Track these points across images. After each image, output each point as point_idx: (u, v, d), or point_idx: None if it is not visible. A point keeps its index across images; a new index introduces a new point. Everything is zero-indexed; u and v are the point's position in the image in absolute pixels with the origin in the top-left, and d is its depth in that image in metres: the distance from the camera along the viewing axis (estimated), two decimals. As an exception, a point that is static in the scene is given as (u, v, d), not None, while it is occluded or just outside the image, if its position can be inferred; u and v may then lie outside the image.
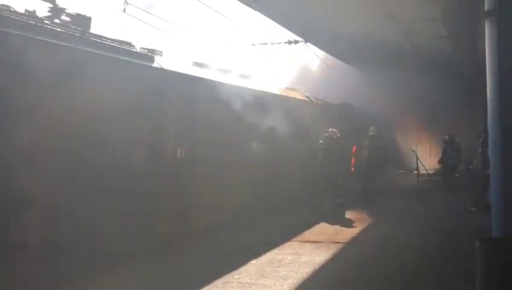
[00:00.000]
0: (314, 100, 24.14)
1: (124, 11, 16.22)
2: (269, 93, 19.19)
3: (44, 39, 9.59)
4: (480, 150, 23.36)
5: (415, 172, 28.40)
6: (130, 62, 11.94)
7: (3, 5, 9.69)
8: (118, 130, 11.38)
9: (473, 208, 19.26)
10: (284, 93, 20.75)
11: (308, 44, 24.21)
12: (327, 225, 17.59)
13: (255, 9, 18.25)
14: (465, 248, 12.15)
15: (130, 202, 11.74)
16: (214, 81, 15.37)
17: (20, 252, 8.98)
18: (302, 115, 21.60)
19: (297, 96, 22.24)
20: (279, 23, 20.68)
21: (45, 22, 10.09)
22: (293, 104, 20.92)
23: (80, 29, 10.80)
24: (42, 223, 9.41)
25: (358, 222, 18.01)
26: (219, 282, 11.12)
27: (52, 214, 9.61)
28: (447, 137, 26.55)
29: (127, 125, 11.76)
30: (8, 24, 9.03)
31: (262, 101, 17.99)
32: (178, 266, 11.77)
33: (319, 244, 14.67)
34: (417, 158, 28.06)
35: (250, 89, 17.57)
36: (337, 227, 17.34)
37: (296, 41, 23.71)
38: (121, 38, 12.34)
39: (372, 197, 21.49)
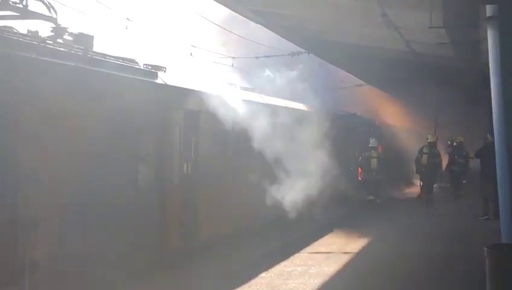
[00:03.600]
0: (319, 111, 24.13)
1: (126, 28, 16.29)
2: (273, 105, 19.21)
3: (47, 59, 9.61)
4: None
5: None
6: (133, 79, 11.97)
7: (6, 26, 9.73)
8: (122, 147, 11.40)
9: (483, 217, 19.23)
10: (288, 105, 20.78)
11: (310, 55, 24.19)
12: (337, 234, 17.59)
13: (257, 23, 18.28)
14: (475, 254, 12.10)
15: (137, 218, 11.73)
16: (218, 95, 15.40)
17: (28, 273, 8.96)
18: (307, 126, 21.65)
19: (302, 108, 22.27)
20: (281, 35, 20.70)
21: (48, 41, 10.11)
22: (297, 116, 20.94)
23: (82, 48, 10.83)
24: (48, 243, 9.39)
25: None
26: (230, 296, 11.13)
27: (58, 234, 9.59)
28: (454, 143, 26.57)
29: (131, 141, 11.78)
30: (12, 45, 9.05)
31: (266, 114, 17.99)
32: (188, 281, 11.76)
33: (328, 255, 14.66)
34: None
35: (254, 102, 17.59)
36: (348, 234, 17.38)
37: (299, 53, 23.70)
38: (124, 56, 12.38)
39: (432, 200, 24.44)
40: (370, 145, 24.73)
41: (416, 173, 25.90)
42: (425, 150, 24.83)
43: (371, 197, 24.17)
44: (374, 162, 24.38)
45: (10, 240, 8.72)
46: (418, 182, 28.04)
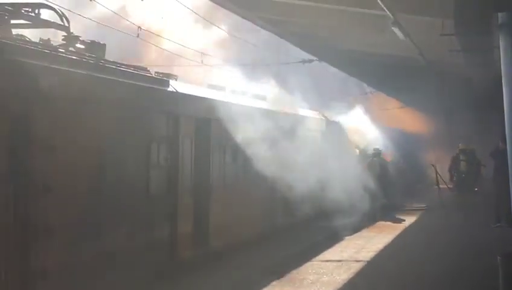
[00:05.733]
0: (330, 119, 24.23)
1: (138, 36, 16.32)
2: (283, 113, 19.22)
3: (59, 67, 9.62)
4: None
5: (435, 187, 28.36)
6: (145, 87, 11.98)
7: (18, 34, 9.77)
8: (133, 155, 11.40)
9: (496, 225, 19.16)
10: (299, 113, 20.79)
11: (322, 62, 24.22)
12: (348, 242, 17.56)
13: (268, 30, 18.32)
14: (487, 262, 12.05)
15: (148, 226, 11.74)
16: (229, 103, 15.42)
17: (39, 281, 8.96)
18: (318, 133, 21.85)
19: (313, 115, 22.32)
20: (293, 43, 20.72)
21: (60, 50, 10.14)
22: (308, 124, 21.03)
23: (94, 56, 10.86)
24: (59, 250, 9.39)
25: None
26: (241, 304, 11.10)
27: (69, 242, 9.59)
28: (460, 146, 26.75)
29: (143, 149, 11.79)
30: (24, 53, 9.08)
31: (277, 122, 18.02)
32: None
33: (340, 263, 14.62)
34: (437, 173, 28.09)
35: (266, 109, 17.61)
36: (360, 243, 17.33)
37: (311, 60, 23.74)
38: (135, 64, 12.41)
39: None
40: (374, 152, 25.17)
41: (453, 180, 26.80)
42: (462, 157, 26.08)
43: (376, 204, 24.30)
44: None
45: (21, 248, 8.73)
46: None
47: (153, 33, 17.49)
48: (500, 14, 11.34)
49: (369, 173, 24.62)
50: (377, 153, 25.01)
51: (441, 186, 28.33)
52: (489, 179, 21.01)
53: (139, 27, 15.99)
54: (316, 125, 22.06)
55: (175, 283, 11.90)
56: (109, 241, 10.52)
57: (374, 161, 24.75)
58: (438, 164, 29.87)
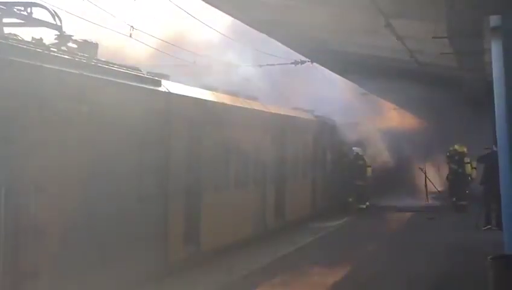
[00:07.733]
0: (322, 119, 24.33)
1: (131, 36, 16.31)
2: (276, 114, 19.27)
3: (51, 66, 9.60)
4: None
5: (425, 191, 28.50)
6: (136, 87, 11.96)
7: (10, 33, 9.75)
8: (125, 156, 11.38)
9: (486, 227, 19.24)
10: (289, 114, 20.86)
11: (314, 64, 24.28)
12: (339, 244, 17.59)
13: (261, 31, 18.31)
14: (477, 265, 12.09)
15: (140, 228, 11.72)
16: (222, 103, 15.43)
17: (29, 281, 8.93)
18: (310, 133, 21.99)
19: (304, 116, 22.41)
20: (285, 44, 20.72)
21: (52, 49, 10.11)
22: (300, 124, 21.10)
23: (86, 55, 10.84)
24: (50, 251, 9.37)
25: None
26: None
27: (59, 242, 9.56)
28: (447, 154, 26.74)
29: (135, 150, 11.77)
30: (16, 52, 9.06)
31: (269, 122, 18.07)
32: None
33: (331, 264, 14.64)
34: (426, 177, 28.24)
35: (258, 110, 17.65)
36: (349, 244, 17.35)
37: (303, 62, 23.83)
38: (127, 64, 12.39)
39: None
40: (354, 150, 25.54)
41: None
42: (456, 158, 25.67)
43: (352, 201, 24.98)
44: (357, 168, 25.14)
45: (11, 248, 8.71)
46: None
47: (146, 33, 17.48)
48: (491, 17, 11.38)
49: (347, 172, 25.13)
50: (357, 154, 25.36)
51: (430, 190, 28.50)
52: (479, 181, 21.08)
53: (131, 26, 15.98)
54: (307, 126, 22.15)
55: (164, 285, 11.88)
56: (101, 243, 10.50)
57: (353, 161, 25.20)
58: (428, 166, 29.98)
